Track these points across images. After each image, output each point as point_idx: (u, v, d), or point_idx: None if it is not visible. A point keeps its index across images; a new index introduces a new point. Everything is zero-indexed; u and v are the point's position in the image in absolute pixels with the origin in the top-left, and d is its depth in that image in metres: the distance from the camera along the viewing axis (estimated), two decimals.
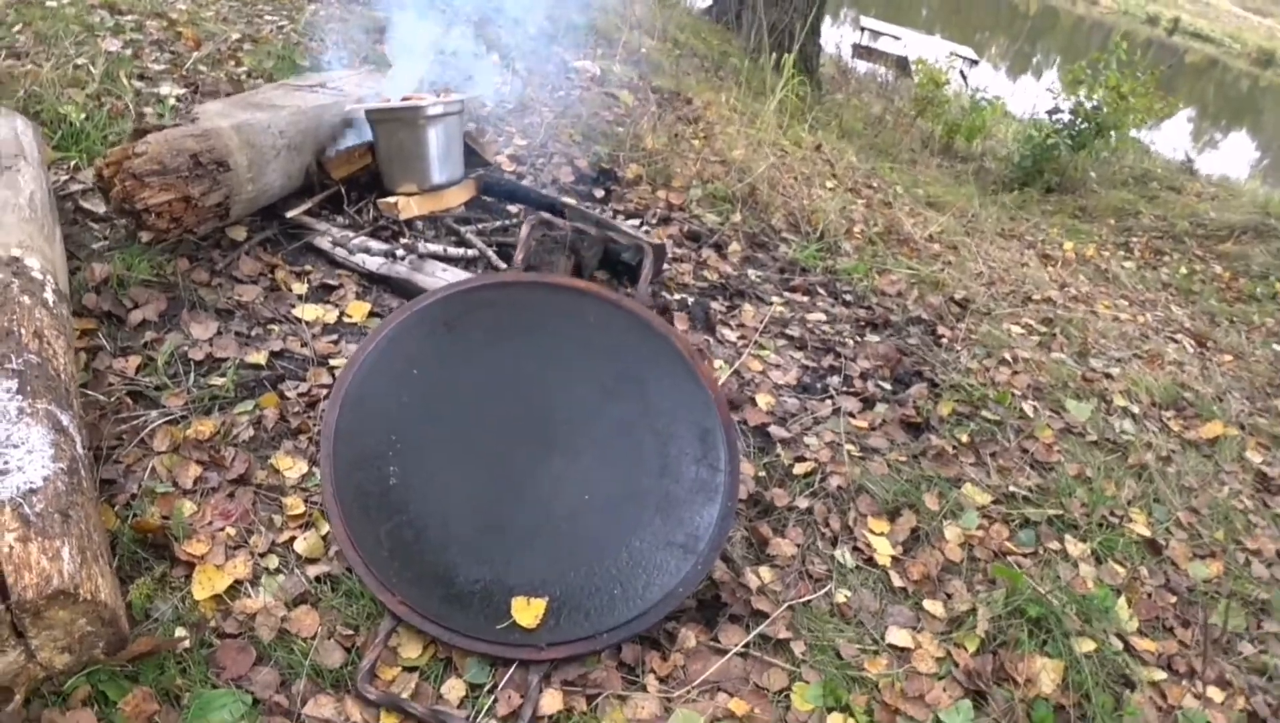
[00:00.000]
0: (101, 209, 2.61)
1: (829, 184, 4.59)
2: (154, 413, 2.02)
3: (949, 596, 2.17)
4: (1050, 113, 7.19)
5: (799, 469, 2.40)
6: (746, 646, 1.88)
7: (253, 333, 2.34)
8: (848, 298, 3.48)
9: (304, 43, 4.15)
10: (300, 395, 2.17)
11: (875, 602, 2.11)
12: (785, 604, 2.00)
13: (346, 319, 2.47)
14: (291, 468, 1.99)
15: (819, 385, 2.82)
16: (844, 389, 2.82)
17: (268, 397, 2.13)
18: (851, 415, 2.68)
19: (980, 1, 20.85)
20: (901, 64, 10.76)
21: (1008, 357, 3.29)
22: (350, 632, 1.72)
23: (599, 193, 3.62)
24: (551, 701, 1.68)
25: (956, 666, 1.97)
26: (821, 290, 3.47)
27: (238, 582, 1.74)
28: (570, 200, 3.12)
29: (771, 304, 3.24)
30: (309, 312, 2.44)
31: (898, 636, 2.02)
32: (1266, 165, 12.97)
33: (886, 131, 7.21)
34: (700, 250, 3.45)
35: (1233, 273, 5.49)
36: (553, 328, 2.09)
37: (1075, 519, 2.52)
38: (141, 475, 1.88)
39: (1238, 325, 4.65)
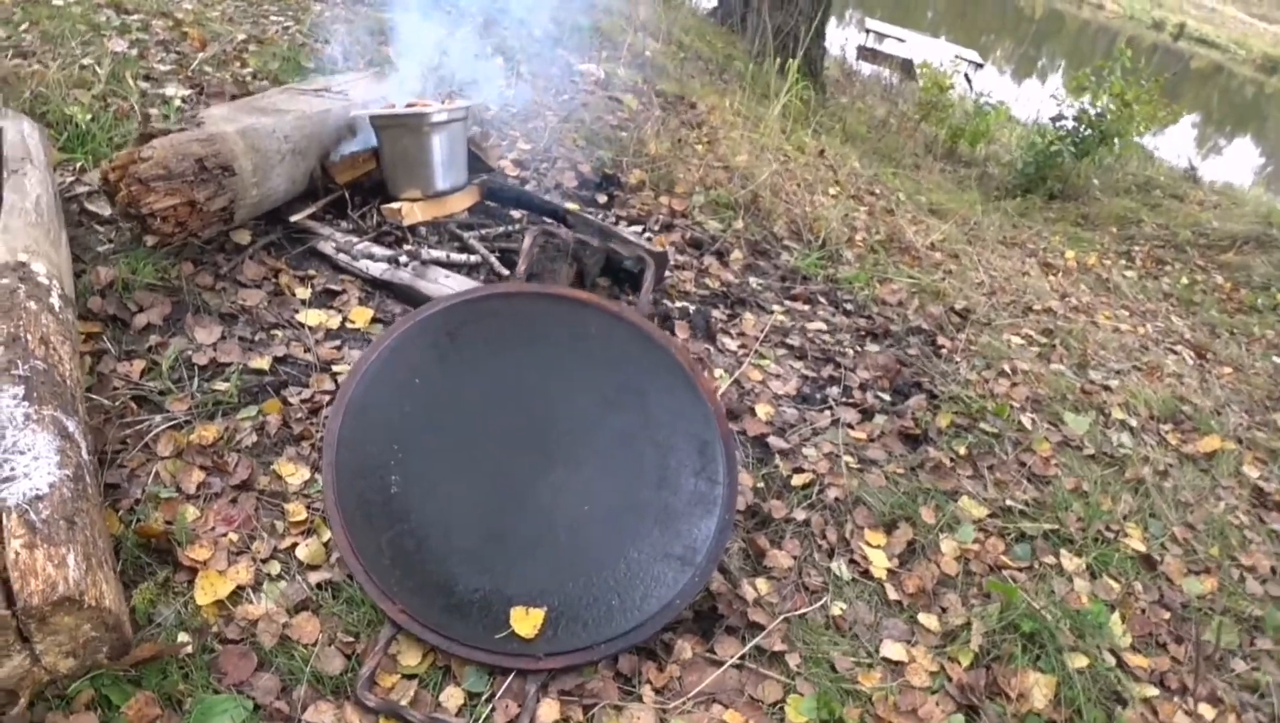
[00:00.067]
0: (107, 211, 2.62)
1: (831, 190, 4.60)
2: (158, 418, 2.04)
3: (944, 609, 2.19)
4: (1054, 119, 7.19)
5: (797, 480, 2.41)
6: (742, 658, 1.90)
7: (256, 338, 2.36)
8: (848, 307, 3.50)
9: (309, 44, 4.16)
10: (303, 401, 2.18)
11: (870, 615, 2.13)
12: (781, 616, 2.02)
13: (349, 325, 2.49)
14: (294, 474, 2.01)
15: (818, 396, 2.84)
16: (843, 400, 2.84)
17: (271, 402, 2.15)
18: (850, 427, 2.70)
19: (986, 4, 20.83)
20: (906, 67, 10.76)
21: (1007, 368, 3.31)
22: (350, 639, 1.74)
23: (602, 198, 3.64)
24: (549, 710, 1.70)
25: (950, 680, 1.99)
26: (822, 299, 3.49)
27: (240, 587, 1.76)
28: (573, 206, 3.14)
29: (772, 313, 3.25)
30: (312, 317, 2.46)
31: (892, 649, 2.04)
32: (1270, 172, 12.98)
33: (890, 136, 7.21)
34: (702, 258, 3.47)
35: (1234, 283, 5.50)
36: (555, 339, 2.11)
37: (1071, 534, 2.53)
38: (145, 480, 1.90)
39: (1238, 337, 4.66)
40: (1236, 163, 12.89)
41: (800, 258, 3.75)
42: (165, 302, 2.36)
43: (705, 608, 1.99)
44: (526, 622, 1.76)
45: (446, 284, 2.57)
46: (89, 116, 2.97)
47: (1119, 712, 2.02)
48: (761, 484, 2.38)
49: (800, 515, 2.31)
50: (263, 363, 2.26)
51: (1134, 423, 3.23)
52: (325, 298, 2.58)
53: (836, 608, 2.10)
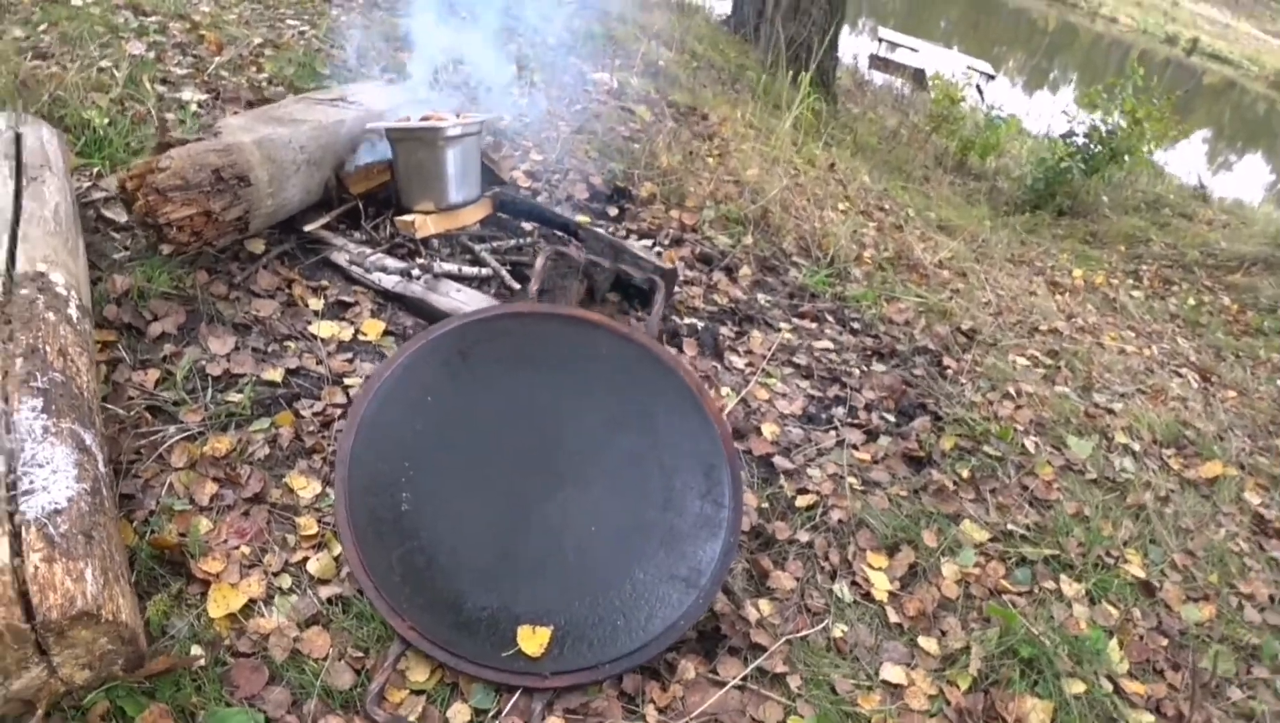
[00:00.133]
0: (123, 218, 2.65)
1: (841, 206, 4.62)
2: (172, 428, 2.07)
3: (943, 633, 2.21)
4: (1065, 136, 7.21)
5: (801, 501, 2.44)
6: (744, 679, 1.92)
7: (269, 349, 2.39)
8: (855, 326, 3.52)
9: (325, 49, 4.19)
10: (315, 415, 2.21)
11: (871, 637, 2.15)
12: (783, 638, 2.04)
13: (361, 337, 2.52)
14: (305, 488, 2.03)
15: (824, 416, 2.86)
16: (848, 420, 2.86)
17: (283, 415, 2.18)
18: (855, 447, 2.72)
19: (999, 16, 20.82)
20: (918, 76, 10.78)
21: (1012, 390, 3.33)
22: (360, 654, 1.76)
23: (613, 211, 3.66)
24: None
25: (948, 703, 2.01)
26: (830, 317, 3.51)
27: (252, 600, 1.79)
28: (584, 219, 3.16)
29: (780, 330, 3.27)
30: (324, 329, 2.48)
31: (892, 672, 2.06)
32: None
33: (901, 148, 7.23)
34: (711, 273, 3.49)
35: (1241, 305, 5.51)
36: (566, 359, 2.14)
37: (1071, 559, 2.55)
38: (159, 491, 1.93)
39: (1243, 360, 4.67)
40: (1247, 179, 12.89)
41: (809, 275, 3.77)
42: (180, 311, 2.39)
43: (709, 628, 2.02)
44: (533, 640, 1.79)
45: (458, 298, 2.59)
46: (106, 121, 3.00)
47: None
48: (766, 505, 2.41)
49: (804, 537, 2.33)
50: (275, 375, 2.29)
51: (1137, 447, 3.24)
52: (338, 309, 2.60)
53: (838, 630, 2.12)
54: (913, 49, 12.00)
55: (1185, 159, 10.93)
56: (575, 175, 3.75)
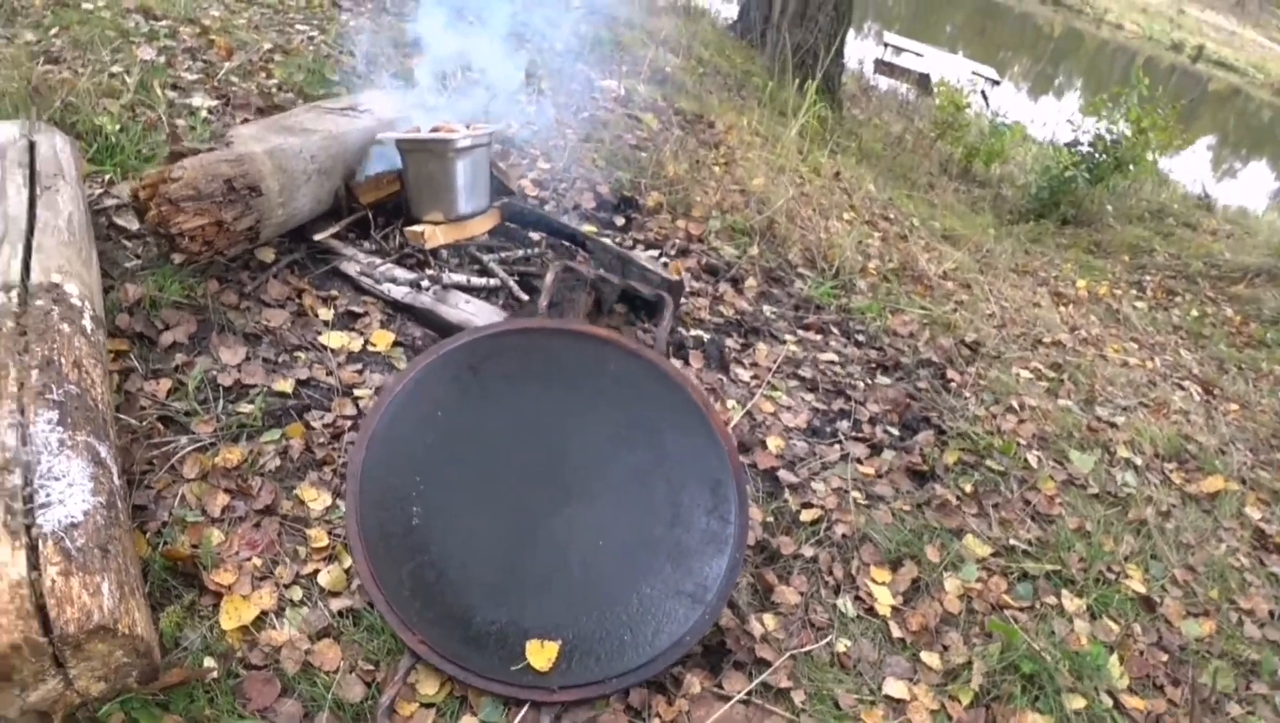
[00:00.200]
0: (135, 226, 2.67)
1: (846, 215, 4.63)
2: (184, 439, 2.09)
3: (946, 648, 2.23)
4: (1069, 145, 7.22)
5: (806, 516, 2.45)
6: (749, 693, 1.94)
7: (280, 360, 2.40)
8: (860, 338, 3.53)
9: (334, 55, 4.20)
10: (325, 426, 2.23)
11: (874, 652, 2.17)
12: (788, 653, 2.06)
13: (371, 347, 2.54)
14: (316, 500, 2.05)
15: (828, 429, 2.88)
16: (852, 434, 2.88)
17: (294, 426, 2.20)
18: (859, 461, 2.74)
19: (1004, 21, 20.82)
20: (923, 81, 10.79)
21: (1015, 404, 3.34)
22: (371, 667, 1.78)
23: (620, 221, 3.68)
24: None
25: (950, 718, 2.03)
26: (835, 329, 3.52)
27: (264, 613, 1.81)
28: (591, 229, 3.18)
29: (785, 343, 3.29)
30: (334, 339, 2.50)
31: (894, 687, 2.08)
32: None
33: (905, 154, 7.25)
34: (717, 285, 3.51)
35: (1244, 317, 5.52)
36: (574, 374, 2.15)
37: (1073, 574, 2.57)
38: (172, 502, 1.95)
39: (1245, 372, 4.68)
40: (1252, 187, 12.90)
41: (814, 286, 3.79)
42: (191, 320, 2.41)
43: (714, 643, 2.04)
44: (541, 655, 1.81)
45: (466, 309, 2.61)
46: (118, 127, 3.02)
47: None
48: (771, 519, 2.42)
49: (808, 552, 2.35)
50: (286, 386, 2.31)
51: (1139, 462, 3.26)
52: (347, 320, 2.62)
53: (841, 645, 2.14)
54: (918, 54, 12.02)
55: (1190, 167, 10.94)
56: (582, 184, 3.77)
